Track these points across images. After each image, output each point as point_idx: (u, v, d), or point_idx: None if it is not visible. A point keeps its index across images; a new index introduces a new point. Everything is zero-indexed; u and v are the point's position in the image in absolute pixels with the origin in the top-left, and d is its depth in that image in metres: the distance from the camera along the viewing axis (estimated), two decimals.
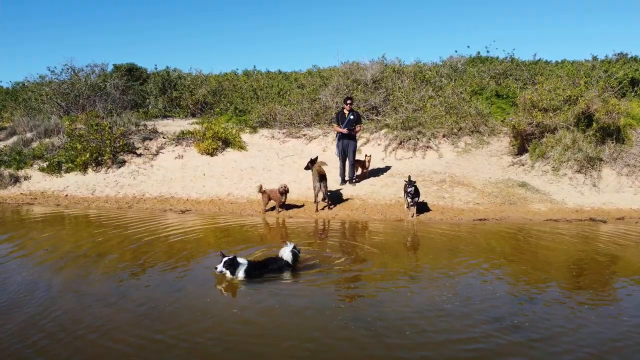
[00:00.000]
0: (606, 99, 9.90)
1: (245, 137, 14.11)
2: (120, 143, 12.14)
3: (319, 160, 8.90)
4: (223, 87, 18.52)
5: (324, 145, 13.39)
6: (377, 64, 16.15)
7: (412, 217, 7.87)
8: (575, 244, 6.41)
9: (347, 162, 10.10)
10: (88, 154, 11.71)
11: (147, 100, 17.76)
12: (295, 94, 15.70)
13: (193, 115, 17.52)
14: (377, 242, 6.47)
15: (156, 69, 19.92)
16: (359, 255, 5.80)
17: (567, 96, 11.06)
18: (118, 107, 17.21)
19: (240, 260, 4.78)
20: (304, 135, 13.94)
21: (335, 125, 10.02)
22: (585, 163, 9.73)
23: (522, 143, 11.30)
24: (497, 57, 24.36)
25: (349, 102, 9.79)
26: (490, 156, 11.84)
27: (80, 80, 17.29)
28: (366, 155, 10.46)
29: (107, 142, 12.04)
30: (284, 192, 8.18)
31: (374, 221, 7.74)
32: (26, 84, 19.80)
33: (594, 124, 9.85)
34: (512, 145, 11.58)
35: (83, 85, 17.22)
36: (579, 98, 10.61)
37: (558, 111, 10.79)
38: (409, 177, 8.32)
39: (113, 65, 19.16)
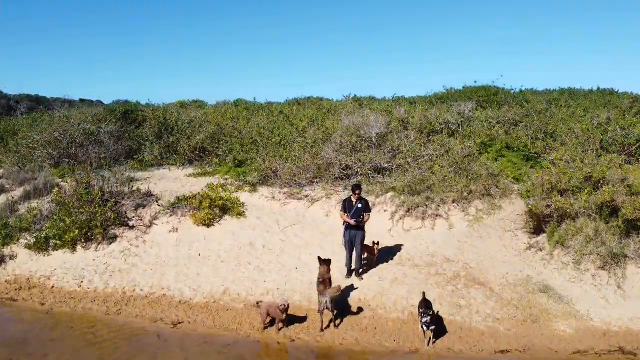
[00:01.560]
0: (634, 192, 9.19)
1: (245, 196, 13.45)
2: (112, 217, 11.44)
3: (330, 268, 8.17)
4: (222, 130, 17.85)
5: (326, 209, 12.72)
6: (382, 115, 15.48)
7: (429, 345, 7.18)
8: None
9: (354, 253, 9.45)
10: (77, 230, 11.01)
11: (143, 146, 17.08)
12: (298, 147, 15.03)
13: (190, 163, 16.89)
14: None
15: (150, 102, 19.33)
16: None
17: (587, 173, 10.39)
18: (112, 156, 16.58)
19: None
20: (306, 196, 13.27)
21: (342, 213, 9.39)
22: (609, 259, 9.06)
23: (539, 223, 10.64)
24: (503, 88, 23.75)
25: (357, 191, 9.16)
26: (504, 231, 11.17)
27: (72, 126, 16.62)
28: (374, 242, 9.80)
29: (98, 215, 11.34)
30: (285, 310, 7.49)
31: (386, 354, 7.05)
32: (17, 126, 19.10)
33: (620, 218, 9.17)
34: (528, 223, 10.91)
35: (76, 131, 16.58)
36: (601, 181, 9.93)
37: (578, 193, 10.11)
38: (424, 295, 7.65)
39: (107, 107, 18.48)
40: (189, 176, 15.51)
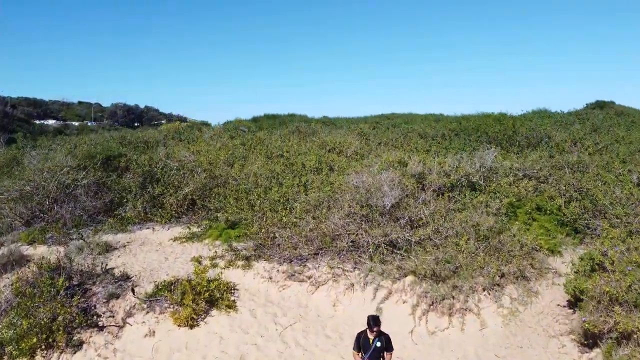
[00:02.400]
0: None
1: (237, 274, 11.64)
2: (78, 319, 9.57)
3: None
4: (215, 180, 16.01)
5: (333, 297, 10.86)
6: (394, 171, 13.58)
7: None
8: None
9: None
10: (35, 338, 9.17)
11: (125, 199, 15.21)
12: (299, 208, 13.16)
13: (177, 219, 15.04)
14: None
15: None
16: None
17: None
18: (89, 213, 14.74)
19: None
20: (309, 277, 11.39)
21: (355, 353, 7.38)
22: None
23: (593, 336, 8.75)
24: (519, 116, 21.86)
25: (375, 328, 7.13)
26: (548, 336, 9.30)
27: (45, 180, 14.78)
28: None
29: (61, 316, 9.50)
30: None
31: None
32: None
33: None
34: (578, 335, 9.01)
35: (50, 183, 14.75)
36: None
37: None
38: None
39: (87, 152, 16.59)
40: (174, 240, 13.66)
